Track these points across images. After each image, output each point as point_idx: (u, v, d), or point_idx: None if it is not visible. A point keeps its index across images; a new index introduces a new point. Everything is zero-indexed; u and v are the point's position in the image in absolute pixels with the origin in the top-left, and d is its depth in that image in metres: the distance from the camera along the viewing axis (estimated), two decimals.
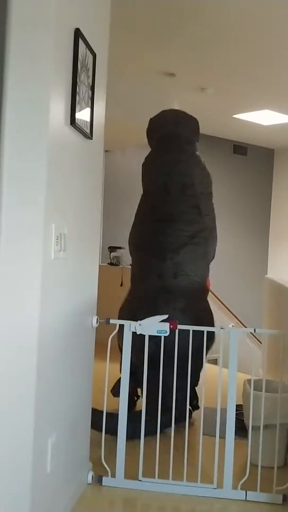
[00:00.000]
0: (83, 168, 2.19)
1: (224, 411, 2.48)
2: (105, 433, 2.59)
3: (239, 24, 3.74)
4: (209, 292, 3.46)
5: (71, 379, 2.18)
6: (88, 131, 2.17)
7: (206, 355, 3.05)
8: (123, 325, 2.52)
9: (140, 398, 3.46)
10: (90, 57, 2.13)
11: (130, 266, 3.50)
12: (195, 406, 3.34)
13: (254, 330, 2.52)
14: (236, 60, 4.47)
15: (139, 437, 2.52)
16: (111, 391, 3.29)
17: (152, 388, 2.72)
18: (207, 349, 3.15)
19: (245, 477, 2.45)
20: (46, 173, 1.77)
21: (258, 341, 5.93)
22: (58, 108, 1.84)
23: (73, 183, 2.07)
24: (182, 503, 2.38)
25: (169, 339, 2.72)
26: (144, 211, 3.35)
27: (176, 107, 3.61)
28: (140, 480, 2.48)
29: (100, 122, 2.41)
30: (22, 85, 1.74)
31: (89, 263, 2.37)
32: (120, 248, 5.72)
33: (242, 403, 2.91)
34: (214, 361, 4.85)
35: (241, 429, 2.78)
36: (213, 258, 3.46)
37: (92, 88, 2.19)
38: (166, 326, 2.46)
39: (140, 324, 2.47)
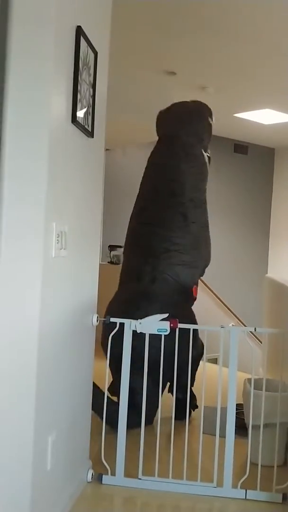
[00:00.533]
0: (84, 166, 2.19)
1: (224, 410, 2.48)
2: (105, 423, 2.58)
3: (240, 23, 3.73)
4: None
5: (71, 377, 2.18)
6: (89, 129, 2.17)
7: (193, 366, 3.02)
8: (111, 324, 2.51)
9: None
10: (92, 55, 2.13)
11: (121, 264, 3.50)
12: (194, 405, 3.34)
13: (255, 329, 2.52)
14: (237, 59, 4.47)
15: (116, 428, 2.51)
16: (108, 389, 3.28)
17: (132, 387, 2.71)
18: (197, 359, 3.13)
19: (245, 476, 2.45)
20: (47, 171, 1.77)
21: (258, 340, 5.93)
22: (59, 106, 1.84)
23: (74, 181, 2.07)
24: (182, 501, 2.38)
25: (140, 343, 2.63)
26: (135, 212, 3.36)
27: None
28: (140, 479, 2.48)
29: (101, 120, 2.41)
30: (23, 83, 1.74)
31: (90, 262, 2.37)
32: (120, 246, 5.71)
33: (242, 402, 2.91)
34: (214, 360, 4.85)
35: (241, 428, 2.78)
36: (205, 265, 3.42)
37: (93, 86, 2.19)
38: (167, 325, 2.46)
39: (140, 323, 2.47)
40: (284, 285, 3.49)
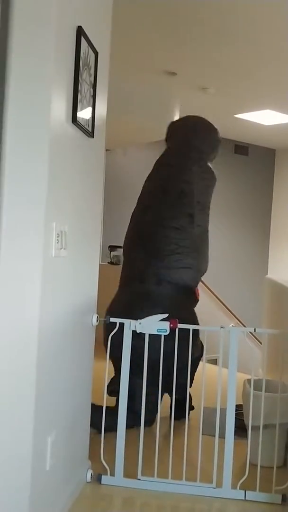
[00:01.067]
0: (85, 166, 2.19)
1: (223, 411, 2.48)
2: (104, 431, 2.58)
3: (241, 23, 3.74)
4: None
5: (71, 377, 2.18)
6: (89, 129, 2.17)
7: (192, 367, 3.02)
8: (112, 324, 2.51)
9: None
10: (92, 55, 2.13)
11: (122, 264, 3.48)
12: (190, 407, 3.34)
13: (254, 329, 2.52)
14: (238, 59, 4.47)
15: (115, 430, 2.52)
16: (106, 390, 3.28)
17: (134, 391, 2.71)
18: (196, 361, 3.13)
19: (245, 477, 2.45)
20: (47, 171, 1.77)
21: (258, 341, 5.93)
22: (60, 106, 1.84)
23: (74, 181, 2.07)
24: (181, 502, 2.38)
25: (143, 345, 2.64)
26: (138, 211, 3.32)
27: (179, 102, 3.54)
28: (139, 479, 2.48)
29: (102, 120, 2.41)
30: (23, 83, 1.74)
31: (90, 262, 2.37)
32: (120, 247, 5.70)
33: (241, 403, 2.91)
34: (214, 361, 4.85)
35: (240, 429, 2.78)
36: (205, 270, 3.42)
37: (94, 86, 2.19)
38: (166, 325, 2.46)
39: (140, 323, 2.47)
40: (284, 286, 3.50)
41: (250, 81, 5.04)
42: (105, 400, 2.63)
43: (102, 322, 2.55)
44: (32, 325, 1.78)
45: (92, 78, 2.16)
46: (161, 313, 3.05)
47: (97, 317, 2.47)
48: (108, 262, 5.73)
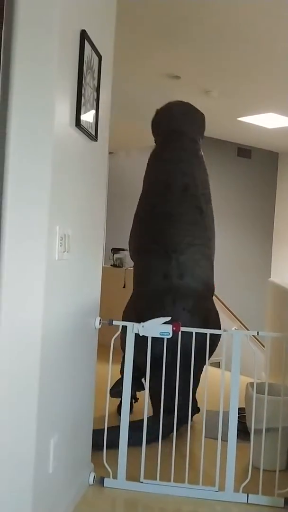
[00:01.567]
0: (88, 169, 2.20)
1: (226, 414, 2.48)
2: (107, 447, 2.57)
3: (244, 27, 3.74)
4: (214, 296, 3.43)
5: (74, 380, 2.18)
6: (93, 132, 2.17)
7: (209, 358, 3.03)
8: (126, 326, 2.51)
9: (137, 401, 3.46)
10: (96, 59, 2.14)
11: (133, 268, 3.47)
12: (195, 409, 3.34)
13: (257, 333, 2.52)
14: (241, 63, 4.48)
15: (141, 444, 2.51)
16: (110, 391, 3.28)
17: (158, 390, 2.72)
18: (211, 352, 3.13)
19: (247, 480, 2.44)
20: (50, 174, 1.77)
21: (261, 344, 5.92)
22: (63, 109, 1.85)
23: (78, 184, 2.08)
24: (184, 505, 2.38)
25: (172, 340, 2.68)
26: (144, 210, 3.30)
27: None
28: (142, 482, 2.48)
29: (105, 124, 2.41)
30: (27, 86, 1.75)
31: (93, 265, 2.37)
32: (123, 249, 5.72)
33: (244, 406, 2.91)
34: (217, 364, 4.84)
35: (243, 432, 2.78)
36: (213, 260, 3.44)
37: (98, 90, 2.20)
38: (169, 328, 2.46)
39: (143, 326, 2.47)
40: (287, 289, 3.49)
41: (253, 84, 5.04)
42: (108, 403, 2.63)
43: (116, 328, 2.54)
44: (35, 328, 1.78)
45: (95, 82, 2.16)
46: (189, 306, 3.05)
47: (100, 320, 2.47)
48: (111, 265, 5.73)
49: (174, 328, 2.46)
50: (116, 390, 3.04)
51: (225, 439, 2.46)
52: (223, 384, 2.47)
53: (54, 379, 1.94)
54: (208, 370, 2.55)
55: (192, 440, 2.92)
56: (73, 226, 2.04)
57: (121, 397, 2.84)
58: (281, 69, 4.57)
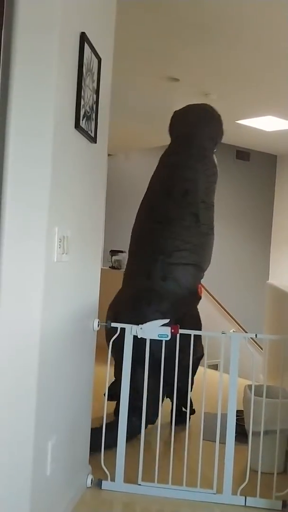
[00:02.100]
0: (87, 171, 2.20)
1: (224, 417, 2.48)
2: (105, 448, 2.57)
3: (243, 30, 3.75)
4: (209, 295, 3.44)
5: (72, 382, 2.18)
6: (92, 135, 2.18)
7: (193, 366, 3.04)
8: (112, 325, 2.52)
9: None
10: (95, 61, 2.14)
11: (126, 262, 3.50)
12: (191, 411, 3.34)
13: (256, 335, 2.52)
14: (240, 66, 4.49)
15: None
16: (108, 395, 3.28)
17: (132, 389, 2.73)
18: (196, 362, 3.14)
19: (245, 483, 2.44)
20: (50, 176, 1.77)
21: (259, 346, 5.93)
22: (63, 111, 1.85)
23: (77, 186, 2.08)
24: (181, 507, 2.38)
25: (154, 345, 2.67)
26: (144, 210, 3.34)
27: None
28: (140, 484, 2.48)
29: (104, 126, 2.42)
30: (27, 89, 1.75)
31: (91, 266, 2.37)
32: (121, 251, 5.73)
33: (242, 409, 2.91)
34: (215, 367, 4.84)
35: (241, 435, 2.78)
36: (206, 268, 3.44)
37: (97, 92, 2.20)
38: (168, 330, 2.46)
39: (141, 328, 2.47)
40: (285, 291, 3.50)
41: (252, 87, 5.05)
42: (106, 405, 2.63)
43: (114, 330, 2.55)
44: (33, 330, 1.78)
45: (95, 84, 2.17)
46: (169, 309, 3.07)
47: (99, 322, 2.47)
48: (110, 267, 5.73)
49: (172, 331, 2.46)
50: (111, 393, 3.04)
51: (223, 442, 2.46)
52: (221, 386, 2.47)
53: (52, 381, 1.94)
54: (206, 373, 2.55)
55: (190, 443, 2.92)
56: (72, 228, 2.04)
57: (115, 400, 2.84)
58: (280, 72, 4.58)
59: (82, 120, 2.02)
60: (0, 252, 1.75)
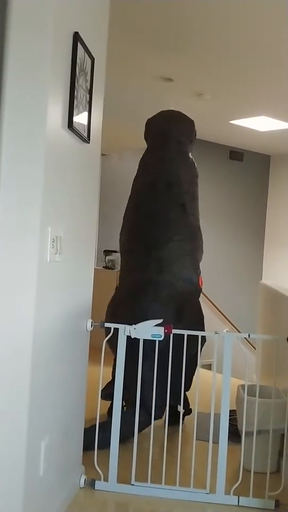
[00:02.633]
0: (80, 171, 2.20)
1: (217, 416, 2.49)
2: (99, 448, 2.57)
3: (237, 30, 3.76)
4: (202, 295, 3.46)
5: (65, 382, 2.18)
6: (85, 134, 2.17)
7: (192, 362, 3.06)
8: (106, 325, 2.52)
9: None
10: (89, 61, 2.14)
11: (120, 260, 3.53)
12: (187, 410, 3.34)
13: (249, 335, 2.53)
14: (233, 66, 4.49)
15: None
16: (101, 393, 3.28)
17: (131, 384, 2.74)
18: (195, 356, 3.15)
19: (238, 483, 2.45)
20: (43, 176, 1.77)
21: (252, 346, 5.94)
22: (56, 111, 1.85)
23: (70, 186, 2.08)
24: (175, 507, 2.38)
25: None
26: (130, 210, 3.38)
27: (173, 108, 3.62)
28: (133, 485, 2.48)
29: (98, 126, 2.41)
30: (20, 88, 1.74)
31: (85, 267, 2.37)
32: (115, 251, 5.73)
33: (235, 409, 2.92)
34: (208, 366, 4.85)
35: (234, 434, 2.79)
36: (200, 258, 3.47)
37: (90, 92, 2.20)
38: (161, 330, 2.46)
39: (135, 328, 2.47)
40: (278, 291, 3.50)
41: (246, 87, 5.06)
42: (99, 405, 2.63)
43: (108, 330, 2.55)
44: (26, 330, 1.78)
45: (88, 84, 2.17)
46: (165, 300, 3.08)
47: (92, 322, 2.47)
48: (103, 267, 5.73)
49: (165, 331, 2.46)
50: (107, 393, 3.04)
51: (216, 442, 2.47)
52: (214, 386, 2.47)
53: (45, 381, 1.94)
54: (199, 372, 2.55)
55: (183, 443, 2.92)
56: (65, 227, 2.04)
57: (111, 399, 2.84)
58: (273, 73, 4.60)
59: (75, 120, 2.02)
60: None
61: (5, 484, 1.79)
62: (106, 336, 3.10)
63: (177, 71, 4.72)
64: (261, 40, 3.91)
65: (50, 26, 1.75)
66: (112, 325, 2.52)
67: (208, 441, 2.48)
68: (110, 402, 3.14)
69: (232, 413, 3.02)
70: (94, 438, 2.57)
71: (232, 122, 6.41)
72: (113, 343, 2.61)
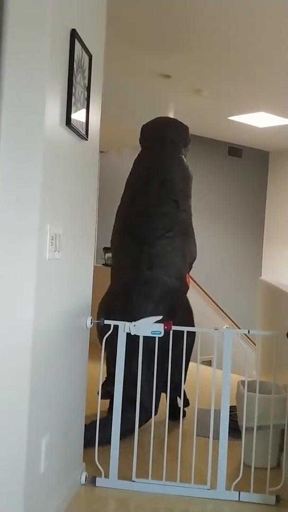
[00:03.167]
0: (79, 168, 2.20)
1: (217, 412, 2.49)
2: (99, 444, 2.58)
3: (235, 26, 3.75)
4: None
5: (65, 379, 2.18)
6: (83, 132, 2.17)
7: (187, 352, 3.08)
8: (105, 323, 2.52)
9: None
10: (86, 58, 2.14)
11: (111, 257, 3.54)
12: (185, 402, 3.36)
13: (248, 331, 2.53)
14: (231, 62, 4.49)
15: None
16: (101, 394, 3.28)
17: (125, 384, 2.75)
18: (190, 347, 3.17)
19: (238, 478, 2.45)
20: (41, 174, 1.77)
21: (252, 342, 5.95)
22: (54, 108, 1.84)
23: (69, 183, 2.08)
24: (176, 503, 2.39)
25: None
26: (123, 207, 3.39)
27: (172, 104, 3.65)
28: (134, 481, 2.48)
29: (96, 123, 2.41)
30: (18, 86, 1.74)
31: (84, 264, 2.37)
32: None
33: (235, 404, 2.92)
34: (208, 363, 4.85)
35: (234, 430, 2.79)
36: (194, 257, 3.47)
37: (88, 89, 2.19)
38: (161, 327, 2.46)
39: (134, 325, 2.47)
40: (277, 287, 3.51)
41: (244, 83, 5.06)
42: (99, 403, 2.63)
43: (108, 327, 2.55)
44: (26, 328, 1.78)
45: (86, 81, 2.16)
46: (158, 297, 3.09)
47: (92, 319, 2.47)
48: (103, 264, 5.73)
49: (165, 327, 2.46)
50: (105, 392, 3.04)
51: (216, 438, 2.47)
52: (214, 382, 2.47)
53: (45, 379, 1.94)
54: (199, 368, 2.55)
55: (183, 439, 2.93)
56: (64, 225, 2.04)
57: (111, 397, 2.84)
58: (271, 69, 4.59)
59: (73, 117, 2.02)
60: None
61: (6, 482, 1.79)
62: (99, 332, 3.10)
63: (175, 68, 4.71)
64: (259, 36, 3.90)
65: (47, 24, 1.75)
66: (112, 323, 2.52)
67: (209, 437, 2.49)
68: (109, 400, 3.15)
69: (232, 409, 3.02)
70: (93, 435, 2.57)
71: (230, 118, 6.40)
72: (106, 341, 2.61)
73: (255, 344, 5.62)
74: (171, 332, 2.51)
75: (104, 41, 2.46)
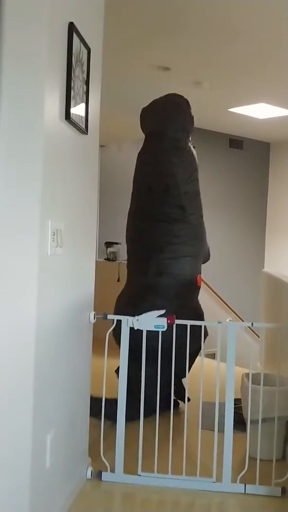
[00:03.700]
0: (79, 163, 2.19)
1: (222, 405, 2.49)
2: (104, 418, 2.59)
3: (234, 18, 3.72)
4: (205, 285, 3.47)
5: (69, 374, 2.18)
6: (83, 126, 2.16)
7: (190, 359, 3.07)
8: (119, 320, 2.52)
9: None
10: (85, 51, 2.12)
11: (126, 262, 3.56)
12: (182, 397, 3.37)
13: (252, 324, 2.52)
14: (231, 54, 4.46)
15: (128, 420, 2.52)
16: (115, 371, 3.26)
17: (134, 379, 2.75)
18: (194, 354, 3.17)
19: (244, 471, 2.46)
20: (41, 169, 1.76)
21: (256, 335, 5.94)
22: (53, 103, 1.83)
23: (69, 178, 2.07)
24: (182, 497, 2.39)
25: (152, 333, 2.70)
26: (132, 209, 3.40)
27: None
28: (140, 475, 2.49)
29: (95, 117, 2.40)
30: (16, 80, 1.73)
31: (86, 259, 2.36)
32: (116, 243, 5.71)
33: (240, 397, 2.92)
34: (212, 356, 4.85)
35: (239, 423, 2.79)
36: (207, 257, 3.47)
37: (87, 82, 2.18)
38: (164, 321, 2.46)
39: (137, 320, 2.47)
40: (280, 279, 3.50)
41: (244, 75, 5.03)
42: (104, 397, 2.63)
43: (111, 322, 2.56)
44: (29, 324, 1.78)
45: (85, 75, 2.15)
46: (165, 304, 3.10)
47: (95, 314, 2.47)
48: (105, 259, 5.72)
49: (168, 321, 2.46)
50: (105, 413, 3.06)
51: (221, 430, 2.47)
52: (218, 375, 2.47)
53: (49, 374, 1.94)
54: (203, 361, 2.55)
55: (188, 432, 2.93)
56: (66, 220, 2.03)
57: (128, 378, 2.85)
58: (271, 60, 4.56)
59: (73, 111, 2.00)
60: None
61: (11, 477, 1.79)
62: (115, 332, 3.10)
63: (174, 60, 4.68)
64: (259, 28, 3.87)
65: (45, 17, 1.73)
66: (115, 317, 2.52)
67: (214, 430, 2.49)
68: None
69: (237, 401, 3.02)
70: (115, 410, 2.56)
71: (231, 110, 6.37)
72: (118, 335, 2.61)
73: (259, 336, 5.62)
74: (173, 335, 2.51)
75: (102, 34, 2.44)
